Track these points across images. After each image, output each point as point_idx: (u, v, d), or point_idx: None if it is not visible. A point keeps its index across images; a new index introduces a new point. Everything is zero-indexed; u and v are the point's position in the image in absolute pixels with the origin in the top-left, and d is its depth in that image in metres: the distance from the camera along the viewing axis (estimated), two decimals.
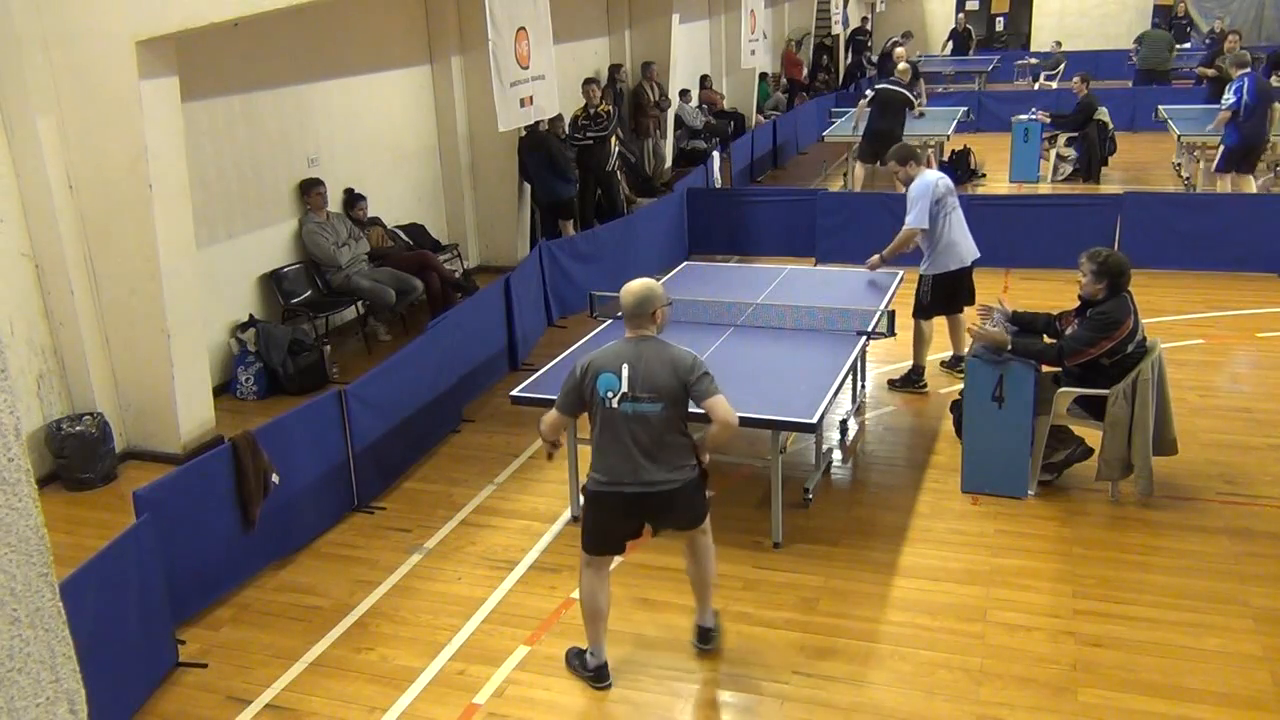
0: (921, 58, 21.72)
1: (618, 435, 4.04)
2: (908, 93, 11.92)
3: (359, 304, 8.58)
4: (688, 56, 15.69)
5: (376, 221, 9.11)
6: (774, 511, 5.28)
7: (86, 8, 5.74)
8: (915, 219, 6.88)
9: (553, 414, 4.28)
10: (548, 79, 7.99)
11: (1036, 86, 21.13)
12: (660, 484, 4.05)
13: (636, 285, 4.14)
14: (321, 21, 8.51)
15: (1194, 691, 4.11)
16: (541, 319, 8.73)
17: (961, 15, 25.31)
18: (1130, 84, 18.75)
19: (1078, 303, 5.59)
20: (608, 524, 4.21)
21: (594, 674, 4.32)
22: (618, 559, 4.88)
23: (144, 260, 6.17)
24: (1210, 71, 14.49)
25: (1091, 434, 5.64)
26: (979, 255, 7.10)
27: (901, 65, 12.51)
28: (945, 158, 13.54)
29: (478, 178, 10.58)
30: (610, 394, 4.03)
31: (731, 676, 4.35)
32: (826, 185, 13.62)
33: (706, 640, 4.48)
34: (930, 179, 6.97)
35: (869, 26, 24.13)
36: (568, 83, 11.65)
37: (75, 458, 6.20)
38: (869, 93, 12.36)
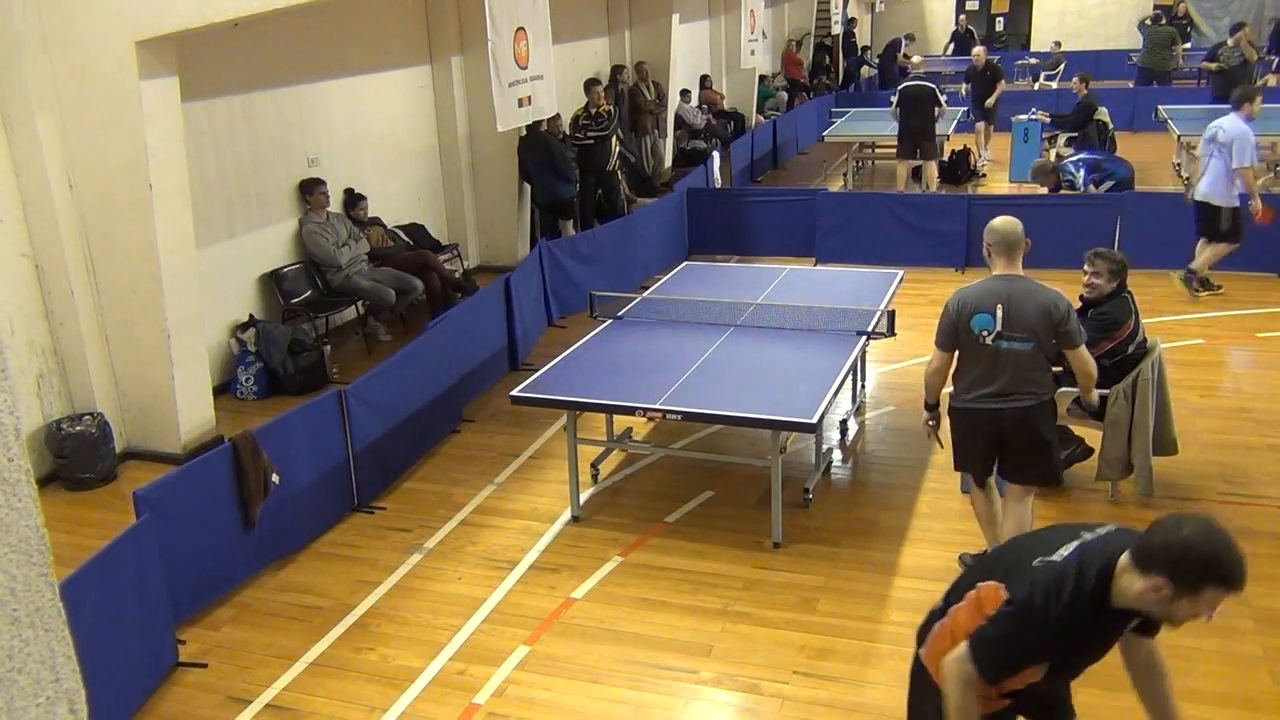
0: (924, 59, 21.75)
1: (988, 365, 4.41)
2: (935, 87, 12.02)
3: (359, 304, 8.58)
4: (688, 56, 15.69)
5: (376, 221, 9.11)
6: (774, 511, 5.28)
7: (87, 8, 5.74)
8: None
9: (936, 355, 4.57)
10: (546, 79, 8.00)
11: (1036, 86, 21.12)
12: (1018, 400, 4.40)
13: (1007, 219, 4.42)
14: (321, 21, 8.51)
15: (1194, 691, 4.11)
16: (541, 319, 8.73)
17: (963, 17, 25.31)
18: (1130, 84, 18.73)
19: (1079, 304, 5.59)
20: (969, 437, 4.59)
21: None
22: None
23: (144, 260, 6.17)
24: (1213, 66, 14.50)
25: (1091, 434, 5.64)
26: (1201, 198, 8.57)
27: (916, 58, 12.83)
28: (945, 157, 13.54)
29: (478, 178, 10.57)
30: (985, 332, 4.36)
31: (731, 676, 4.35)
32: (826, 185, 13.61)
33: None
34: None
35: (855, 29, 24.23)
36: (567, 83, 11.66)
37: (75, 458, 6.20)
38: (893, 98, 12.46)
